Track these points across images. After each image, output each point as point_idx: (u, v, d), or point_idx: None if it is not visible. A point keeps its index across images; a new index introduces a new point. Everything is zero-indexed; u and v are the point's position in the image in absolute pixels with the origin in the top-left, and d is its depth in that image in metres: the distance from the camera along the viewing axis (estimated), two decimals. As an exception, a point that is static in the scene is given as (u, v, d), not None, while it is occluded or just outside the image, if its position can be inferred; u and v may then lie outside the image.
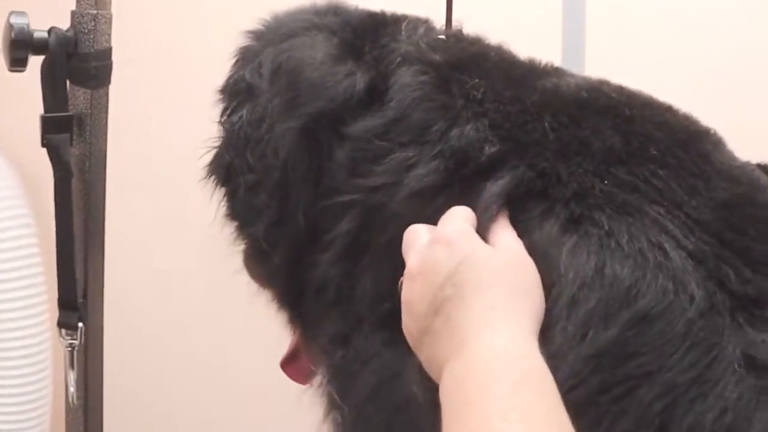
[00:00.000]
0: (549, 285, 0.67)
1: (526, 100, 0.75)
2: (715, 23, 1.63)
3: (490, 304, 0.65)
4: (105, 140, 1.09)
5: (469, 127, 0.74)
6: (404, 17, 0.91)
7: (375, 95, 0.81)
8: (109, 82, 1.07)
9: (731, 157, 0.75)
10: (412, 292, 0.70)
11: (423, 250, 0.71)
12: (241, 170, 0.87)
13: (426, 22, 0.91)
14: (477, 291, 0.66)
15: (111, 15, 1.04)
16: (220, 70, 0.96)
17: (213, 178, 0.92)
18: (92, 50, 1.01)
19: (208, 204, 0.97)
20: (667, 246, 0.65)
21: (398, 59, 0.82)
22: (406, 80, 0.80)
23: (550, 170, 0.70)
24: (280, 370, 1.01)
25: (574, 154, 0.71)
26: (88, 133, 1.04)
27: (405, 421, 0.75)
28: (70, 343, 1.09)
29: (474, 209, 0.71)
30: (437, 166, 0.74)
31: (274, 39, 0.90)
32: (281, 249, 0.86)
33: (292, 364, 1.00)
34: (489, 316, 0.64)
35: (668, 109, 0.78)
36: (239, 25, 0.97)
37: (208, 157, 0.93)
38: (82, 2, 1.01)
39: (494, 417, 0.57)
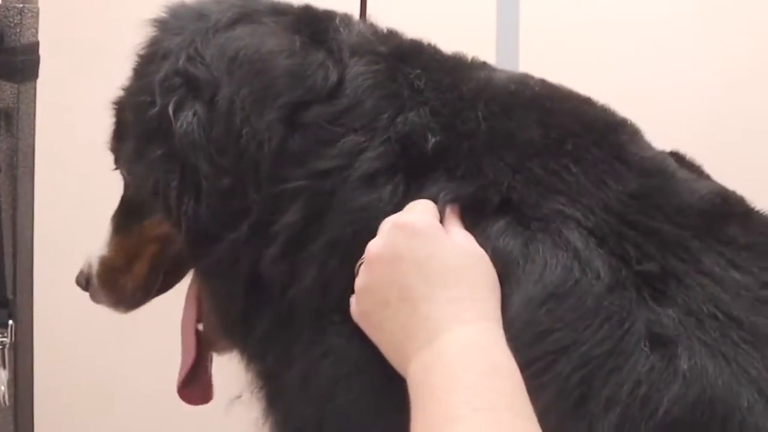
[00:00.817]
0: None
1: (462, 87, 0.78)
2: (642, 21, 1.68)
3: (459, 297, 0.66)
4: (33, 135, 1.08)
5: (412, 113, 0.76)
6: (333, 12, 0.90)
7: (337, 86, 0.80)
8: (36, 76, 1.06)
9: (646, 148, 0.78)
10: (371, 275, 0.70)
11: (385, 233, 0.70)
12: (206, 174, 0.79)
13: (352, 18, 0.90)
14: (445, 284, 0.67)
15: (38, 9, 1.03)
16: None
17: (151, 185, 0.82)
18: (18, 44, 1.00)
19: None
20: (563, 228, 0.69)
21: (349, 50, 0.82)
22: (360, 69, 0.80)
23: (477, 167, 0.72)
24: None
25: (499, 147, 0.74)
26: (15, 127, 1.03)
27: (336, 410, 0.76)
28: (1, 341, 1.07)
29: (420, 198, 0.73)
30: (386, 150, 0.75)
31: (205, 27, 0.84)
32: (251, 254, 0.79)
33: (190, 388, 0.92)
34: (458, 308, 0.65)
35: (586, 101, 0.81)
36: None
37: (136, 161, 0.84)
38: (8, -5, 1.00)
39: (460, 405, 0.58)
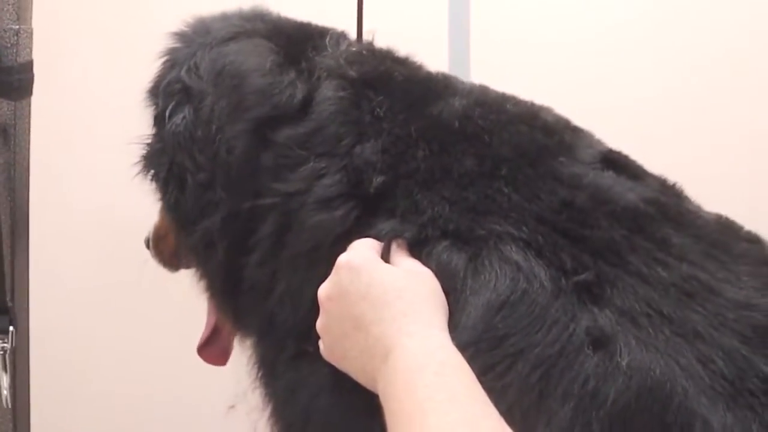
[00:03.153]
0: None
1: (412, 126, 0.83)
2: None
3: (401, 312, 0.71)
4: (28, 148, 1.12)
5: (368, 145, 0.82)
6: (327, 30, 0.97)
7: (305, 106, 0.88)
8: (31, 93, 1.11)
9: (584, 160, 0.83)
10: (326, 315, 0.77)
11: (330, 277, 0.77)
12: (189, 168, 0.89)
13: (345, 37, 0.97)
14: (387, 305, 0.72)
15: (32, 29, 1.08)
16: (132, 77, 0.96)
17: (152, 173, 0.94)
18: (15, 63, 1.05)
19: (133, 209, 1.02)
20: (500, 243, 0.74)
21: (323, 73, 0.89)
22: (328, 94, 0.87)
23: (413, 203, 0.78)
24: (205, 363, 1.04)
25: (436, 182, 0.79)
26: (12, 142, 1.08)
27: (321, 409, 0.82)
28: (2, 347, 1.11)
29: (368, 231, 0.79)
30: (341, 178, 0.82)
31: (207, 42, 0.94)
32: (228, 242, 0.89)
33: (208, 348, 1.03)
34: (402, 323, 0.71)
35: (528, 122, 0.86)
36: (155, 33, 0.98)
37: (144, 153, 0.95)
38: (4, 18, 1.05)
39: (424, 401, 0.63)
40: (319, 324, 0.78)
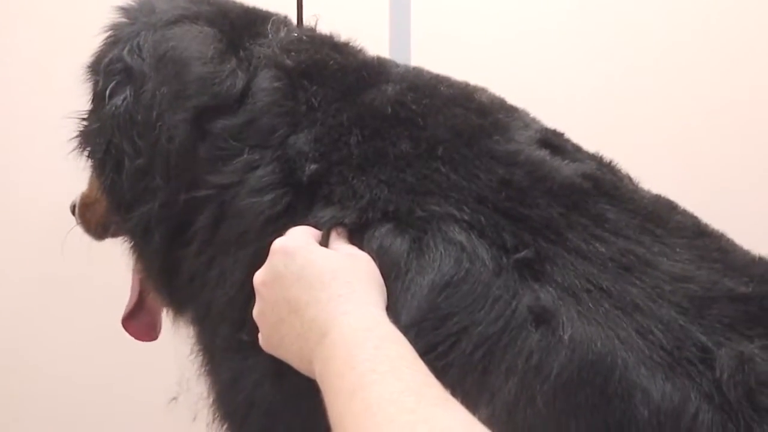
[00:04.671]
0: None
1: (344, 115, 0.83)
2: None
3: (337, 292, 0.71)
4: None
5: (302, 135, 0.82)
6: (270, 16, 0.96)
7: (243, 96, 0.86)
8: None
9: (518, 140, 0.84)
10: (261, 301, 0.76)
11: (266, 263, 0.76)
12: (127, 152, 0.88)
13: (286, 23, 0.96)
14: (322, 285, 0.72)
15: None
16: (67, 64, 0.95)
17: (88, 151, 0.93)
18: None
19: (48, 203, 1.00)
20: (442, 225, 0.75)
21: (261, 62, 0.88)
22: (263, 85, 0.86)
23: (350, 189, 0.79)
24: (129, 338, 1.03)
25: (372, 166, 0.80)
26: None
27: (265, 396, 0.82)
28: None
29: (306, 220, 0.79)
30: (273, 169, 0.82)
31: (151, 22, 0.92)
32: (164, 229, 0.89)
33: (134, 321, 1.03)
34: (338, 302, 0.70)
35: (465, 101, 0.87)
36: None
37: (81, 130, 0.94)
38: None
39: (366, 373, 0.62)
40: (255, 311, 0.77)
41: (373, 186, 0.79)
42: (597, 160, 0.86)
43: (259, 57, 0.89)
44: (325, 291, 0.71)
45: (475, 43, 1.66)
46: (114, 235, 1.02)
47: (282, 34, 0.92)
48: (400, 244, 0.75)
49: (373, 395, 0.60)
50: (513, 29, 1.68)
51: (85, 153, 0.93)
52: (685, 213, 0.83)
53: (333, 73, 0.88)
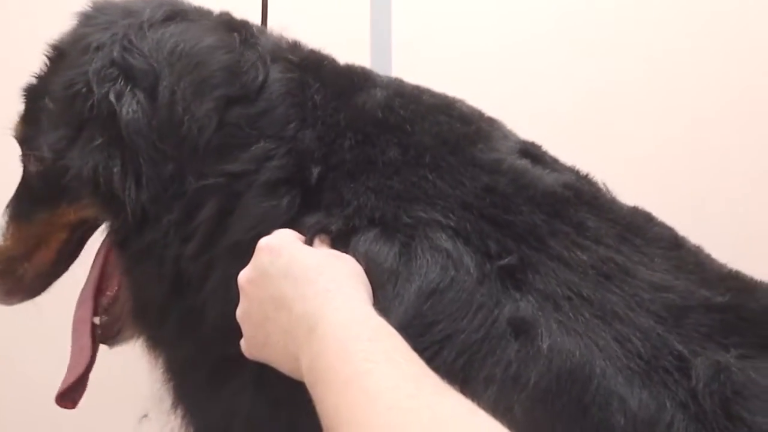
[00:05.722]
0: None
1: (341, 115, 0.84)
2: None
3: (324, 288, 0.70)
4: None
5: (308, 132, 0.82)
6: (246, 21, 0.94)
7: (261, 86, 0.84)
8: None
9: (498, 149, 0.84)
10: (247, 299, 0.75)
11: (251, 262, 0.75)
12: (149, 160, 0.82)
13: (263, 29, 0.95)
14: (309, 282, 0.71)
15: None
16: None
17: (101, 172, 0.83)
18: None
19: None
20: (429, 231, 0.75)
21: (268, 56, 0.87)
22: (277, 76, 0.85)
23: (340, 197, 0.78)
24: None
25: (361, 173, 0.80)
26: None
27: (245, 406, 0.81)
28: None
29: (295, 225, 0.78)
30: (287, 162, 0.81)
31: (137, 23, 0.87)
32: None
33: (72, 394, 0.90)
34: (327, 297, 0.69)
35: (445, 112, 0.87)
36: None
37: (79, 150, 0.85)
38: None
39: (361, 363, 0.60)
40: (240, 311, 0.76)
41: (360, 193, 0.79)
42: (574, 172, 0.87)
43: (267, 50, 0.88)
44: (312, 286, 0.71)
45: (456, 49, 1.67)
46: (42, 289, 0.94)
47: (268, 35, 0.92)
48: (388, 249, 0.75)
49: (371, 384, 0.59)
50: (496, 34, 1.68)
51: (84, 174, 0.84)
52: (662, 225, 0.83)
53: (328, 74, 0.88)
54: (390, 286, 0.74)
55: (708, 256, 0.81)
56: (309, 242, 0.78)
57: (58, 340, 0.96)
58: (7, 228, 0.93)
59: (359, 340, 0.63)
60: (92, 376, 0.93)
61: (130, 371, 0.99)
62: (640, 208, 0.85)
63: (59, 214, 0.90)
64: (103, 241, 0.92)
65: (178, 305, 0.85)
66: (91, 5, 0.93)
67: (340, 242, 0.78)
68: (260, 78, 0.84)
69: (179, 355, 0.88)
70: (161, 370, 0.90)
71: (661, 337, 0.70)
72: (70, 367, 0.91)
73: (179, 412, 0.89)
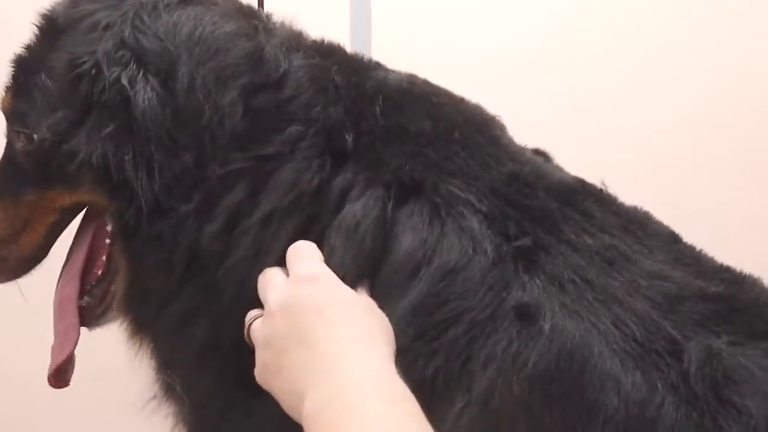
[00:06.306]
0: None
1: (366, 85, 0.84)
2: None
3: (356, 336, 0.69)
4: None
5: (333, 109, 0.83)
6: (254, 7, 0.93)
7: (285, 72, 0.84)
8: None
9: (513, 141, 0.88)
10: (272, 327, 0.72)
11: (284, 287, 0.74)
12: (166, 150, 0.80)
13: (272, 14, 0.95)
14: (344, 326, 0.70)
15: None
16: None
17: (111, 159, 0.80)
18: None
19: None
20: (465, 212, 0.78)
21: (287, 44, 0.87)
22: (300, 63, 0.85)
23: (378, 158, 0.80)
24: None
25: (395, 139, 0.81)
26: None
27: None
28: None
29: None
30: (317, 141, 0.81)
31: (150, 4, 0.84)
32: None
33: (66, 369, 0.89)
34: (355, 347, 0.68)
35: (462, 100, 0.91)
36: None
37: (89, 141, 0.81)
38: None
39: (371, 426, 0.61)
40: (262, 334, 0.74)
41: (397, 156, 0.80)
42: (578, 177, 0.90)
43: (284, 37, 0.88)
44: (344, 330, 0.70)
45: (437, 43, 1.68)
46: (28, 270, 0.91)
47: (279, 21, 0.92)
48: (426, 222, 0.77)
49: None
50: (477, 27, 1.69)
51: (91, 160, 0.81)
52: (660, 223, 0.86)
53: (342, 57, 0.90)
54: (424, 259, 0.75)
55: (703, 253, 0.84)
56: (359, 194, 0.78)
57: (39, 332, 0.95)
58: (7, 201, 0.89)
59: (375, 400, 0.63)
60: (88, 361, 0.92)
61: (126, 358, 0.97)
62: (639, 208, 0.88)
63: (51, 197, 0.87)
64: (85, 220, 0.91)
65: (188, 290, 0.83)
66: None
67: (371, 192, 0.78)
68: (284, 65, 0.84)
69: (180, 346, 0.86)
70: (153, 361, 0.88)
71: (655, 321, 0.73)
72: (59, 346, 0.89)
73: (171, 408, 0.88)
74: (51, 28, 0.87)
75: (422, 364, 0.73)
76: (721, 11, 1.69)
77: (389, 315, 0.75)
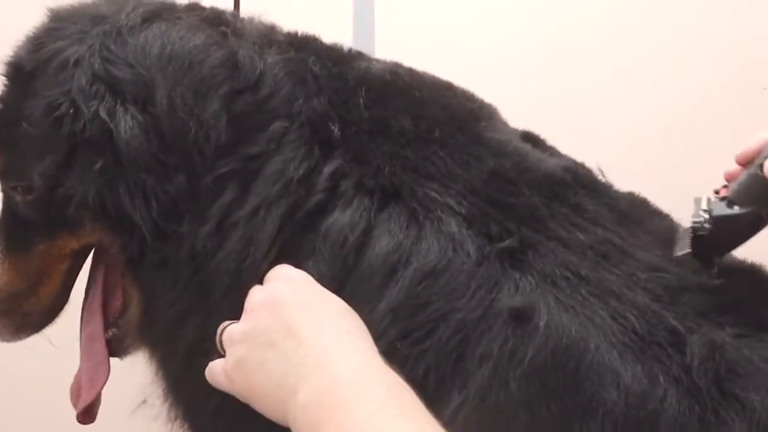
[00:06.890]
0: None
1: (348, 75, 0.84)
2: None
3: (347, 330, 0.69)
4: None
5: (315, 100, 0.82)
6: (222, 11, 0.91)
7: (261, 72, 0.83)
8: None
9: (501, 131, 0.86)
10: (254, 321, 0.71)
11: (264, 287, 0.74)
12: (157, 176, 0.79)
13: (237, 14, 0.94)
14: (331, 319, 0.70)
15: None
16: None
17: (107, 195, 0.79)
18: None
19: None
20: (443, 216, 0.76)
21: (259, 43, 0.86)
22: (275, 59, 0.84)
23: (364, 153, 0.78)
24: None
25: (378, 135, 0.80)
26: None
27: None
28: None
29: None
30: (302, 133, 0.80)
31: (114, 29, 0.82)
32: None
33: (91, 412, 0.88)
34: (347, 339, 0.68)
35: (448, 88, 0.89)
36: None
37: (80, 182, 0.80)
38: None
39: (376, 413, 0.60)
40: (241, 330, 0.72)
41: (378, 156, 0.79)
42: (571, 159, 0.88)
43: (255, 37, 0.86)
44: (333, 324, 0.69)
45: (439, 38, 1.68)
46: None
47: (246, 21, 0.91)
48: (402, 226, 0.75)
49: None
50: (478, 25, 1.69)
51: (85, 200, 0.79)
52: (658, 212, 0.84)
53: (320, 47, 0.88)
54: (400, 262, 0.74)
55: None
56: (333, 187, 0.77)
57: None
58: (2, 263, 0.88)
59: (377, 388, 0.63)
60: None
61: (128, 359, 0.97)
62: (636, 194, 0.86)
63: (60, 244, 0.86)
64: (96, 257, 0.90)
65: (185, 293, 0.82)
66: (50, 17, 0.87)
67: (358, 200, 0.77)
68: (259, 67, 0.82)
69: (173, 348, 0.85)
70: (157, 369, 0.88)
71: (656, 313, 0.70)
72: (88, 384, 0.88)
73: (176, 411, 0.87)
74: (19, 75, 0.85)
75: (411, 365, 0.72)
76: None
77: (367, 317, 0.73)
